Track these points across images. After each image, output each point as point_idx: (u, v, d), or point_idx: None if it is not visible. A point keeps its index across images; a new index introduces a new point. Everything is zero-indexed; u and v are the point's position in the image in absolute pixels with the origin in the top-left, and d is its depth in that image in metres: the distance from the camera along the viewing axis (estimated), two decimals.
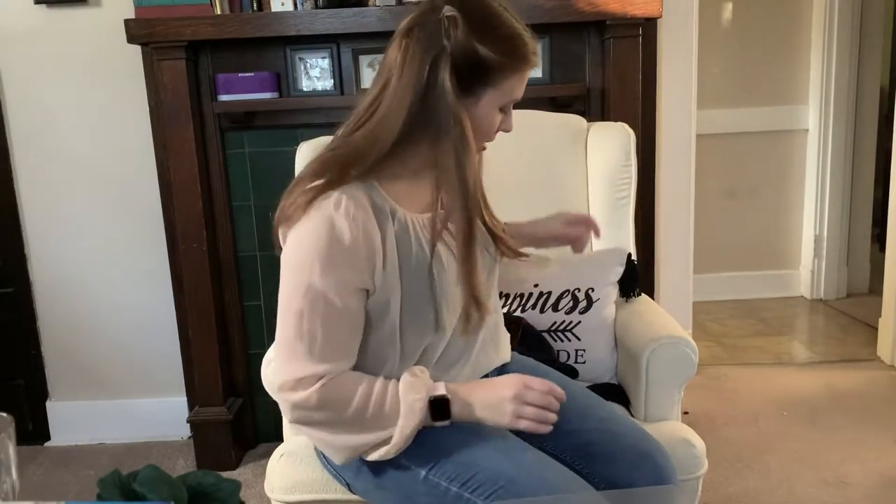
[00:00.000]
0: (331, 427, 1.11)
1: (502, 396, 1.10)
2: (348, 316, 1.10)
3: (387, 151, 1.09)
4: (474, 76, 1.07)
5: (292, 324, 1.09)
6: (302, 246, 1.08)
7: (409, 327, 1.15)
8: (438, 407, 1.11)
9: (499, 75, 1.08)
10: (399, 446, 1.10)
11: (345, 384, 1.10)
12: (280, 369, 1.11)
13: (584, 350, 1.61)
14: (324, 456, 1.27)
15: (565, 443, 1.19)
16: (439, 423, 1.11)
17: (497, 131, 1.17)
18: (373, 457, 1.12)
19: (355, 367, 1.14)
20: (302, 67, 2.19)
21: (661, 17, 2.08)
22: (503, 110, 1.15)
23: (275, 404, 1.49)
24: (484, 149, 1.20)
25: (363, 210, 1.08)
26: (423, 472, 1.12)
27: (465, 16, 1.06)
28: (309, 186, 1.10)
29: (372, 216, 1.09)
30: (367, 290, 1.11)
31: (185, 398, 2.43)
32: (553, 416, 1.11)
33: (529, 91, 2.11)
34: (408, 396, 1.09)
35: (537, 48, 1.13)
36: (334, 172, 1.10)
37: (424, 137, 1.09)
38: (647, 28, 2.16)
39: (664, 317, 1.61)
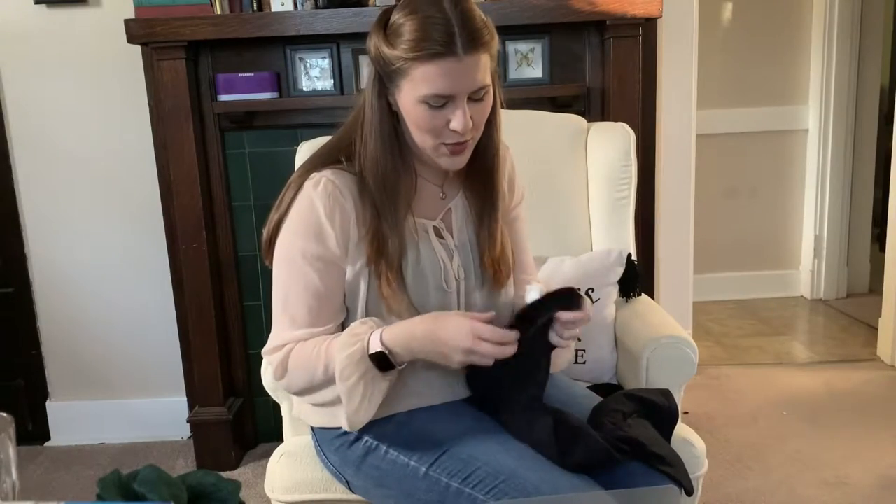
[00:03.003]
0: (302, 391, 1.20)
1: (452, 349, 1.08)
2: (325, 288, 1.17)
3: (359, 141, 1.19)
4: (389, 73, 1.12)
5: (279, 296, 1.20)
6: (287, 226, 1.19)
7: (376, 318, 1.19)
8: (381, 360, 1.11)
9: (405, 66, 1.09)
10: (352, 412, 1.11)
11: (303, 348, 1.16)
12: (269, 339, 1.22)
13: (584, 350, 1.61)
14: (324, 454, 1.28)
15: None
16: (389, 373, 1.13)
17: (446, 127, 1.12)
18: (343, 425, 1.14)
19: None
20: (302, 67, 2.19)
21: (661, 17, 2.08)
22: (438, 106, 1.10)
23: (275, 404, 1.51)
24: (458, 151, 1.15)
25: (340, 190, 1.16)
26: (423, 469, 1.12)
27: (380, 18, 1.14)
28: (301, 172, 1.21)
29: (350, 199, 1.17)
30: (345, 270, 1.19)
31: (185, 398, 2.43)
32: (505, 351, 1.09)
33: (529, 91, 2.16)
34: (341, 352, 1.11)
35: (453, 35, 1.06)
36: (322, 159, 1.21)
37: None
38: (647, 28, 2.16)
39: (664, 317, 1.61)
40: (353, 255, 1.17)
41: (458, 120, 1.10)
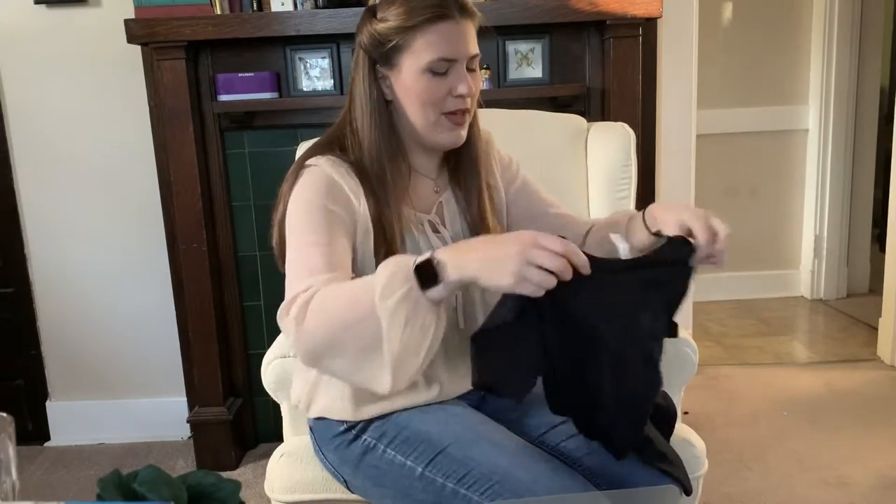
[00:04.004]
0: (324, 340, 1.01)
1: (506, 254, 0.93)
2: (339, 238, 1.13)
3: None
4: (385, 52, 1.15)
5: (292, 257, 1.12)
6: (296, 200, 1.17)
7: None
8: (426, 273, 0.97)
9: (405, 39, 1.13)
10: (395, 345, 0.97)
11: (332, 287, 1.05)
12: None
13: None
14: (322, 454, 1.27)
15: (567, 443, 1.19)
16: (433, 292, 0.97)
17: (449, 95, 1.16)
18: (381, 383, 1.00)
19: None
20: (302, 67, 2.19)
21: (661, 16, 2.08)
22: (441, 72, 1.15)
23: (275, 404, 1.50)
24: (460, 122, 1.19)
25: (345, 169, 1.17)
26: (419, 469, 1.13)
27: (366, 10, 1.19)
28: (295, 167, 1.22)
29: (354, 181, 1.18)
30: (354, 231, 1.17)
31: (185, 398, 2.43)
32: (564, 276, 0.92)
33: (529, 91, 2.16)
34: (384, 272, 0.99)
35: (447, 0, 1.13)
36: (319, 150, 1.22)
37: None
38: (647, 28, 2.16)
39: None
40: (360, 229, 1.17)
41: (462, 83, 1.15)
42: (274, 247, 1.23)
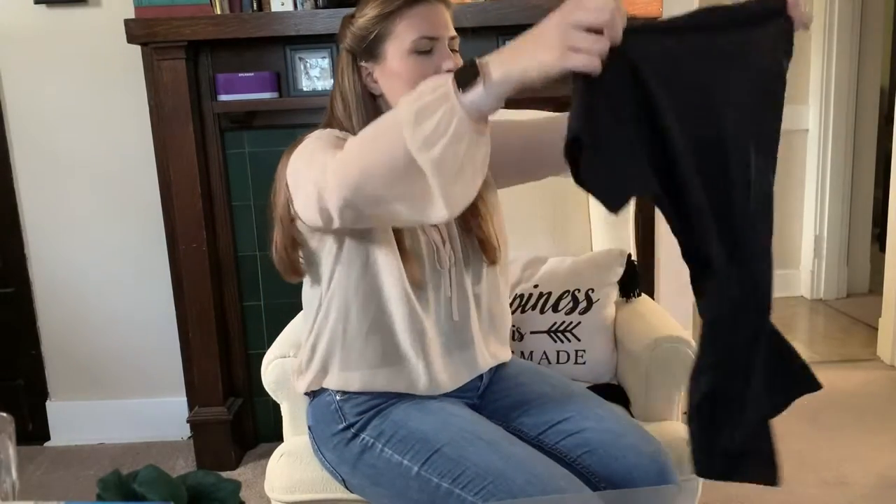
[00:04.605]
0: (359, 166, 0.93)
1: (546, 28, 0.81)
2: None
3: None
4: (368, 45, 1.18)
5: (306, 164, 1.07)
6: (300, 147, 1.12)
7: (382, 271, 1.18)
8: (466, 75, 0.86)
9: (386, 25, 1.17)
10: (417, 147, 0.86)
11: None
12: (308, 204, 1.05)
13: (584, 350, 1.61)
14: (321, 453, 1.27)
15: (565, 442, 1.19)
16: (473, 94, 0.85)
17: (436, 74, 1.13)
18: (422, 156, 0.87)
19: (347, 309, 1.18)
20: (302, 67, 2.19)
21: (661, 17, 2.08)
22: (426, 51, 1.16)
23: (275, 404, 1.50)
24: None
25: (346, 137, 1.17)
26: (415, 469, 1.13)
27: (344, 17, 1.24)
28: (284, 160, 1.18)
29: None
30: None
31: (185, 398, 2.43)
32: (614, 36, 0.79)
33: (529, 91, 2.15)
34: (418, 87, 0.91)
35: None
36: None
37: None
38: None
39: (664, 317, 1.61)
40: None
41: (448, 60, 1.18)
42: (276, 256, 1.21)
